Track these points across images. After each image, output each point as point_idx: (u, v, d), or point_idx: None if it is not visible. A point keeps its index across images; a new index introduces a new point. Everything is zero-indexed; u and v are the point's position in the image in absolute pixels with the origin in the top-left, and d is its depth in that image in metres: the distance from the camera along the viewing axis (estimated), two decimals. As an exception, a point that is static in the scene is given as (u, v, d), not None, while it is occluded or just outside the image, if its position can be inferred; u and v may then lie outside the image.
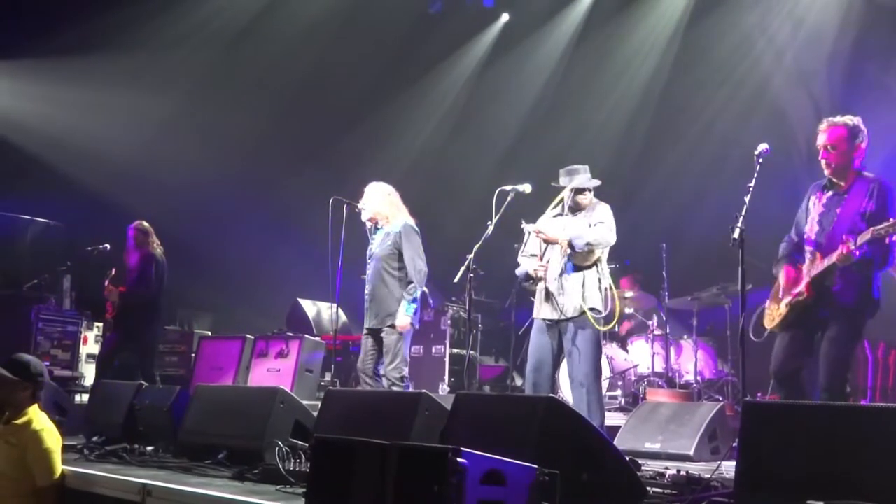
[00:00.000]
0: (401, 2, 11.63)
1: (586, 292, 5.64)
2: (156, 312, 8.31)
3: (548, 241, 5.74)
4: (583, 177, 5.85)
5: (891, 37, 9.46)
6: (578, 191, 5.84)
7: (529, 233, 5.89)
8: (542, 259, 5.83)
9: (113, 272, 8.38)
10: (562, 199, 5.87)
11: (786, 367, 5.00)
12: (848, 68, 9.74)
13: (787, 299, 5.02)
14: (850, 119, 4.92)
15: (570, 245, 5.59)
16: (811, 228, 5.03)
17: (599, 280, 5.71)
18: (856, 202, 4.86)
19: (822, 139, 4.93)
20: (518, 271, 6.02)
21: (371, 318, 6.44)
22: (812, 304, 4.91)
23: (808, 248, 5.03)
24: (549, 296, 5.70)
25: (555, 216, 5.92)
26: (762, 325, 5.25)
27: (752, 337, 5.17)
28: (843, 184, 4.97)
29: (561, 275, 5.67)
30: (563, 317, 5.64)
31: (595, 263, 5.72)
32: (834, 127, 4.91)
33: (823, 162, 4.96)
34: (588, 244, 5.59)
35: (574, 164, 5.94)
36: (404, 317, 6.29)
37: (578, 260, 5.66)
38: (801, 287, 4.94)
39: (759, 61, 10.44)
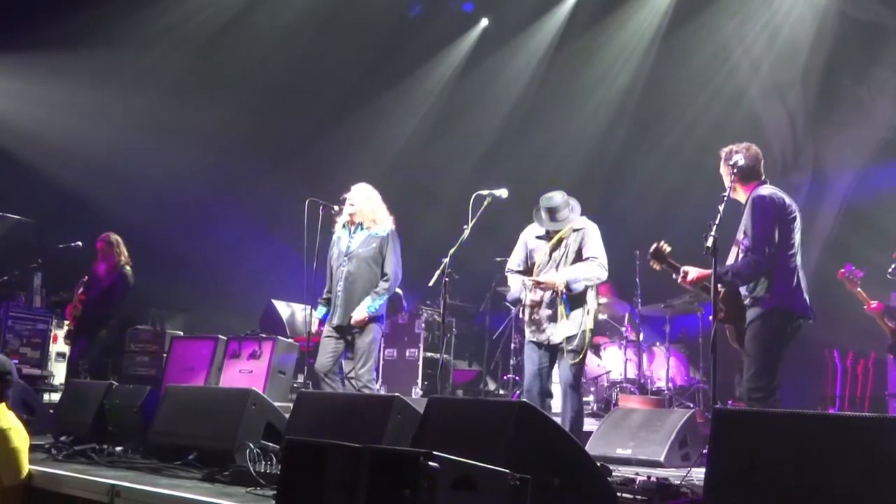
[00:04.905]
0: (380, 5, 11.62)
1: (576, 318, 5.79)
2: (111, 317, 8.63)
3: (546, 289, 5.82)
4: (564, 213, 5.88)
5: (864, 50, 9.58)
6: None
7: (522, 246, 5.96)
8: (533, 272, 5.91)
9: (85, 279, 8.55)
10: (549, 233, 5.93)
11: None
12: (822, 80, 9.85)
13: None
14: None
15: (568, 288, 5.73)
16: None
17: (587, 302, 5.83)
18: None
19: None
20: (510, 295, 6.11)
21: (342, 316, 6.43)
22: None
23: None
24: (539, 321, 5.84)
25: (538, 237, 5.97)
26: None
27: None
28: None
29: (553, 302, 5.77)
30: (554, 342, 5.80)
31: (587, 290, 5.85)
32: None
33: None
34: (584, 285, 5.77)
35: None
36: (363, 311, 6.32)
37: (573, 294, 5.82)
38: None
39: (735, 71, 10.53)
